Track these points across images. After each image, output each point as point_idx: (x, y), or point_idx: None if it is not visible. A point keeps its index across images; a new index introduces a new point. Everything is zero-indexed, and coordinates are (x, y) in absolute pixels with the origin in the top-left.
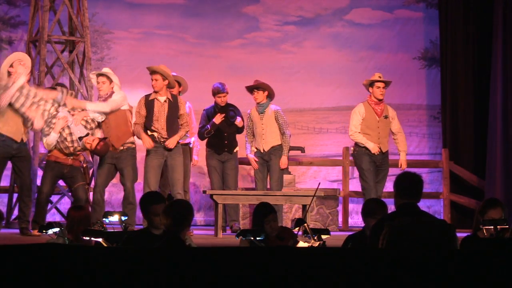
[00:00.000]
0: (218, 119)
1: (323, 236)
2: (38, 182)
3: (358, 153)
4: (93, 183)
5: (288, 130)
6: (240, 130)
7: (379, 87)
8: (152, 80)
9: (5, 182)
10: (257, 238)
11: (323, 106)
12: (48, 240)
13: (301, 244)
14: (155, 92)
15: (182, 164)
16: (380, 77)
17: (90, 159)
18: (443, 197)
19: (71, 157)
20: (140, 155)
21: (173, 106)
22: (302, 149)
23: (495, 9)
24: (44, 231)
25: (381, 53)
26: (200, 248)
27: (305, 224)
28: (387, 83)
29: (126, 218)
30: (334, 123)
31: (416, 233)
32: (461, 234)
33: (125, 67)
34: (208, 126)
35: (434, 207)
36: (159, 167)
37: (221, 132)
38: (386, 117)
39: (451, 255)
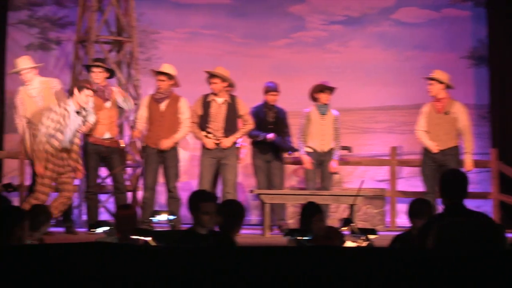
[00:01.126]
0: (271, 137)
1: (371, 236)
2: None
3: (422, 154)
4: (141, 182)
5: None
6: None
7: (428, 85)
8: (211, 83)
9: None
10: (304, 238)
11: (369, 106)
12: (97, 238)
13: (348, 244)
14: (213, 94)
15: (236, 165)
16: (433, 74)
17: (139, 158)
18: (492, 197)
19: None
20: (191, 155)
21: (232, 107)
22: (349, 149)
23: None
24: (93, 229)
25: (428, 52)
26: (248, 247)
27: (353, 224)
28: (437, 80)
29: (174, 217)
30: (380, 123)
31: (465, 233)
32: (510, 235)
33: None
34: (261, 136)
35: (483, 207)
36: (213, 167)
37: (267, 130)
38: (447, 113)
39: (501, 256)
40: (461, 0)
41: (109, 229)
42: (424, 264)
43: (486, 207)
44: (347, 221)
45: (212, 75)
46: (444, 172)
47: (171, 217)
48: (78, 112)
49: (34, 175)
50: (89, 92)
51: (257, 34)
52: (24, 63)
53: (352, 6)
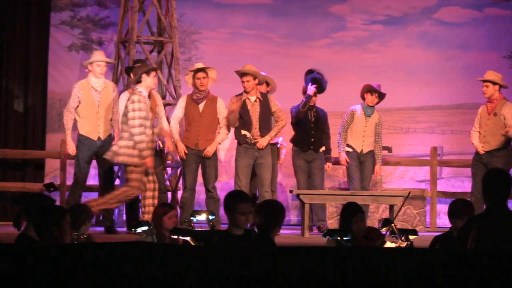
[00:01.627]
0: (311, 90)
1: (411, 237)
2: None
3: (474, 154)
4: (180, 182)
5: None
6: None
7: (483, 86)
8: (244, 82)
9: (95, 180)
10: (344, 238)
11: (410, 106)
12: (137, 238)
13: (388, 244)
14: (246, 92)
15: (272, 164)
16: (486, 75)
17: (178, 158)
18: None
19: None
20: (226, 154)
21: (264, 105)
22: (389, 149)
23: None
24: (133, 229)
25: (470, 52)
26: (287, 247)
27: (393, 225)
28: (491, 82)
29: (214, 217)
30: (421, 123)
31: (506, 234)
32: None
33: (212, 67)
34: (304, 99)
35: None
36: (250, 167)
37: (307, 129)
38: (495, 114)
39: None
40: None
41: (148, 229)
42: (464, 265)
43: None
44: (387, 222)
45: (243, 74)
46: (486, 172)
47: (211, 217)
48: None
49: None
50: (156, 74)
51: (298, 34)
52: (101, 56)
53: (393, 6)
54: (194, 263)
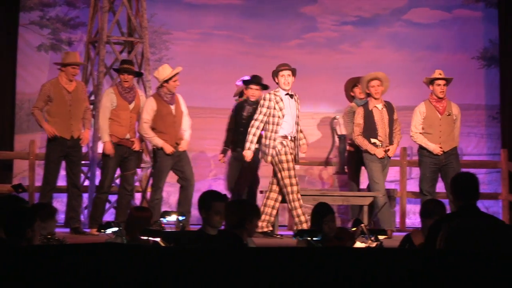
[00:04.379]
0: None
1: (380, 237)
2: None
3: (420, 156)
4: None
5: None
6: None
7: (439, 85)
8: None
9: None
10: (315, 239)
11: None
12: (106, 239)
13: (359, 244)
14: (375, 99)
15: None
16: (440, 74)
17: (148, 159)
18: (502, 198)
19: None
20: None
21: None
22: None
23: None
24: (102, 230)
25: (440, 53)
26: (258, 248)
27: (363, 225)
28: (448, 81)
29: (184, 218)
30: None
31: (475, 235)
32: None
33: (183, 67)
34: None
35: (493, 208)
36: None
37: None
38: (449, 114)
39: (510, 257)
40: (473, 1)
41: (118, 230)
42: (433, 264)
43: (496, 207)
44: (357, 222)
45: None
46: (455, 176)
47: (181, 217)
48: None
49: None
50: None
51: (269, 34)
52: (76, 58)
53: (364, 7)
54: (163, 264)
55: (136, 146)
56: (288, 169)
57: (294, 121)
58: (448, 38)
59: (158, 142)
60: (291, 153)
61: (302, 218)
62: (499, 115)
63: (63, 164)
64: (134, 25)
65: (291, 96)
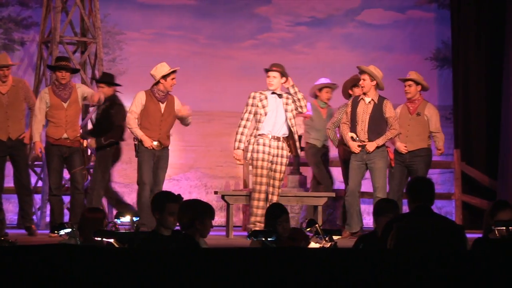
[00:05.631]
0: None
1: (335, 237)
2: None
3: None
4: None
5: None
6: None
7: (405, 86)
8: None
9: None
10: (269, 239)
11: (335, 107)
12: (60, 241)
13: (313, 245)
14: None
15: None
16: (409, 75)
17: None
18: (455, 198)
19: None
20: None
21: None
22: None
23: (508, 9)
24: (56, 231)
25: (393, 54)
26: (210, 248)
27: (317, 225)
28: (415, 82)
29: (138, 219)
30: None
31: (425, 234)
32: (473, 235)
33: (137, 68)
34: None
35: (446, 208)
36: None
37: None
38: (418, 114)
39: (460, 256)
40: (426, 2)
41: (71, 231)
42: (384, 264)
43: (449, 207)
44: (311, 222)
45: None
46: (411, 180)
47: (135, 218)
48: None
49: None
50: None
51: (223, 35)
52: (6, 60)
53: (318, 7)
54: (117, 265)
55: (77, 144)
56: (256, 168)
57: (282, 121)
58: (401, 39)
59: (138, 133)
60: (268, 153)
61: (258, 218)
62: (452, 115)
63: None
64: (87, 25)
65: (280, 95)
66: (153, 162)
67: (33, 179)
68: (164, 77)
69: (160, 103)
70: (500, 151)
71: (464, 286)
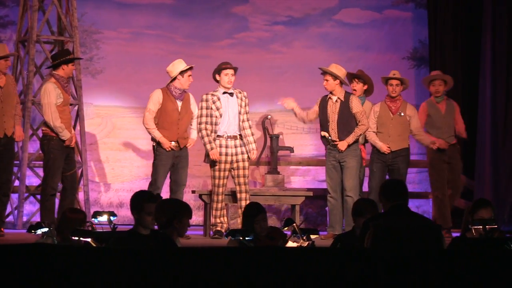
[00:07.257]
0: None
1: (312, 236)
2: (27, 182)
3: (371, 153)
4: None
5: None
6: None
7: (391, 85)
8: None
9: None
10: (246, 238)
11: (312, 106)
12: (36, 240)
13: (290, 244)
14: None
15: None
16: (394, 74)
17: (79, 159)
18: (432, 197)
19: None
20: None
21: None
22: (291, 149)
23: (484, 9)
24: (33, 231)
25: (370, 53)
26: (188, 248)
27: (294, 224)
28: (402, 81)
29: (115, 218)
30: None
31: (402, 233)
32: (453, 234)
33: (114, 67)
34: None
35: (423, 207)
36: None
37: None
38: (400, 114)
39: (437, 255)
40: (403, 1)
41: (48, 231)
42: (361, 264)
43: (426, 206)
44: (289, 221)
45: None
46: (384, 182)
47: (112, 217)
48: None
49: None
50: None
51: (200, 34)
52: (5, 50)
53: (295, 7)
54: (95, 264)
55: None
56: (214, 170)
57: (236, 120)
58: (378, 38)
59: (157, 135)
60: (226, 154)
61: (218, 220)
62: None
63: None
64: (64, 24)
65: (231, 94)
66: (173, 162)
67: (34, 179)
68: (182, 73)
69: (177, 102)
70: (477, 151)
71: (440, 284)
